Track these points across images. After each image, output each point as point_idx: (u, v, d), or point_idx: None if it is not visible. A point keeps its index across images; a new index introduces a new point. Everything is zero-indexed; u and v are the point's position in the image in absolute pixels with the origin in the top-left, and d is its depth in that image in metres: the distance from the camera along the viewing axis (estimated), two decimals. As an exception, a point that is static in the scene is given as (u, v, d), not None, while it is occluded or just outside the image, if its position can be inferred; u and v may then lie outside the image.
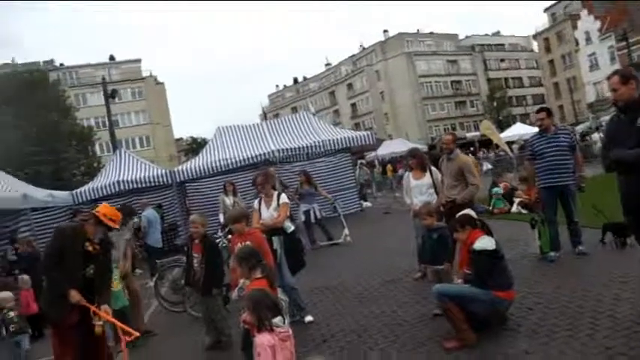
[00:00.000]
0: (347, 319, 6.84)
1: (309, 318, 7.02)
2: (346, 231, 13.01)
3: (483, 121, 34.13)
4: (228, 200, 13.01)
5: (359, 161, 27.38)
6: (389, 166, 38.32)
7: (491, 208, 13.89)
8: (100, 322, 5.40)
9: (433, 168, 8.38)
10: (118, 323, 5.63)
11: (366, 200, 22.55)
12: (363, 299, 7.64)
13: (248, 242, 6.64)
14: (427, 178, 8.23)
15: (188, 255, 6.90)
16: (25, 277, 9.18)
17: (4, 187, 14.21)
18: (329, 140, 18.08)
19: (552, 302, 5.92)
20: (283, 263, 6.99)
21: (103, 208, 5.65)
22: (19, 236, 12.59)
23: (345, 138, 18.46)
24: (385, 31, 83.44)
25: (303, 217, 13.12)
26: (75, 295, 5.27)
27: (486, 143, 45.03)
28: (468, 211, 5.93)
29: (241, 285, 4.82)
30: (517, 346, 4.95)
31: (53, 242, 5.51)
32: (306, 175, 13.66)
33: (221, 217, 12.98)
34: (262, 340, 3.63)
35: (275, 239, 6.96)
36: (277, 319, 3.72)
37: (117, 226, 5.71)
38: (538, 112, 8.21)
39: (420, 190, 8.20)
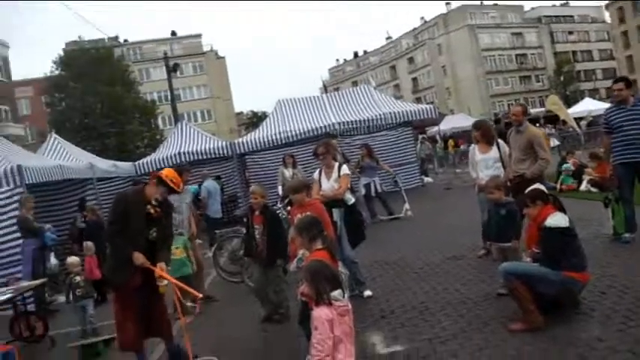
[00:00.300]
0: (407, 295, 6.65)
1: (368, 293, 6.87)
2: (407, 205, 12.76)
3: (550, 96, 32.88)
4: (288, 172, 12.97)
5: (420, 136, 26.90)
6: (450, 142, 37.56)
7: (559, 185, 13.33)
8: (164, 283, 5.43)
9: (500, 141, 7.99)
10: (180, 283, 5.64)
11: (427, 175, 22.15)
12: (424, 275, 7.43)
13: (308, 213, 6.55)
14: (494, 152, 7.85)
15: (248, 226, 6.81)
16: (89, 243, 9.37)
17: (72, 158, 14.61)
18: (390, 113, 17.72)
19: (627, 287, 5.53)
20: (343, 236, 6.84)
21: (166, 171, 5.66)
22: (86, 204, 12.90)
23: (406, 111, 18.07)
24: (447, 3, 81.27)
25: (363, 191, 12.98)
26: (139, 257, 5.28)
27: (552, 119, 43.47)
28: (538, 185, 5.60)
29: (300, 256, 4.68)
30: (589, 331, 4.65)
31: (115, 208, 5.53)
32: (367, 148, 13.47)
33: (280, 189, 12.97)
34: (320, 313, 3.48)
35: (335, 211, 6.81)
36: (336, 293, 3.53)
37: (179, 190, 5.69)
38: (616, 82, 7.68)
39: (485, 164, 7.84)
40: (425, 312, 5.88)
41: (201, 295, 5.63)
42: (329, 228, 5.72)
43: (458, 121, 40.55)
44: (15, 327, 7.78)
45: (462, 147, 34.51)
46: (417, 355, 4.80)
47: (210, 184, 13.46)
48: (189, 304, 6.65)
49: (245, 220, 6.91)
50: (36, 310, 8.89)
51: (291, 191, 6.35)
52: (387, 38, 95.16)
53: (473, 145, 8.44)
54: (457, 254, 8.25)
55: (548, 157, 7.58)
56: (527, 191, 5.45)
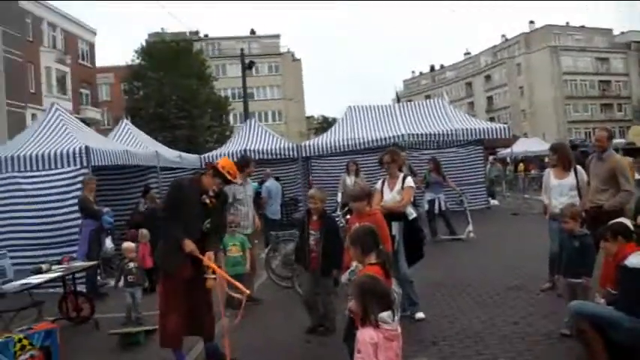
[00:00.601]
0: (462, 322, 6.23)
1: (420, 315, 6.49)
2: (470, 227, 12.23)
3: (633, 127, 31.22)
4: (349, 180, 12.67)
5: (491, 156, 26.07)
6: (521, 165, 36.29)
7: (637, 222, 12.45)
8: (213, 276, 5.27)
9: (579, 167, 7.41)
10: (227, 276, 5.51)
11: (494, 198, 21.37)
12: (482, 303, 6.98)
13: (366, 223, 6.23)
14: (571, 178, 7.26)
15: (303, 230, 6.53)
16: (144, 231, 9.38)
17: (140, 144, 14.83)
18: (463, 130, 17.16)
19: None
20: (400, 252, 6.49)
21: (223, 161, 5.52)
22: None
23: (479, 129, 17.45)
24: (531, 22, 78.98)
25: (426, 206, 12.56)
26: (189, 244, 5.15)
27: (634, 152, 41.37)
28: (623, 219, 5.09)
29: (353, 268, 4.38)
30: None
31: (171, 194, 5.43)
32: (435, 162, 13.04)
33: (339, 197, 12.71)
34: (365, 335, 3.16)
35: (394, 225, 6.47)
36: (385, 314, 3.20)
37: (235, 180, 5.56)
38: None
39: (560, 190, 7.26)
40: (479, 343, 5.46)
41: (248, 292, 5.40)
42: (387, 242, 5.40)
43: (531, 145, 39.11)
44: (63, 306, 7.82)
45: (532, 172, 33.31)
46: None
47: (272, 183, 13.35)
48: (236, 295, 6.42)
49: (302, 224, 6.63)
50: (86, 292, 8.94)
51: (352, 199, 6.01)
52: (466, 54, 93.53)
53: (548, 169, 7.91)
54: (519, 284, 7.74)
55: (632, 190, 6.96)
56: (609, 224, 4.94)
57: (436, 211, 12.53)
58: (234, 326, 5.50)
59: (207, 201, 5.35)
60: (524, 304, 6.78)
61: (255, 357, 5.60)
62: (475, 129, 17.34)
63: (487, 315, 6.39)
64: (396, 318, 3.27)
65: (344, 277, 4.55)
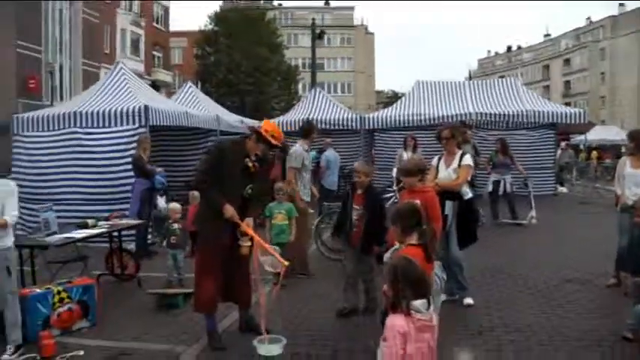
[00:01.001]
0: (512, 313, 5.81)
1: (468, 301, 6.11)
2: (533, 212, 11.60)
3: None
4: (406, 155, 12.20)
5: (563, 142, 24.83)
6: (594, 153, 34.61)
7: None
8: (247, 244, 5.05)
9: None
10: (263, 242, 5.23)
11: (562, 185, 20.37)
12: (537, 294, 6.50)
13: (417, 201, 5.88)
14: (648, 168, 6.64)
15: (345, 205, 6.21)
16: (195, 192, 9.30)
17: (202, 108, 14.84)
18: (534, 112, 16.28)
19: None
20: (452, 234, 6.11)
21: (266, 124, 5.23)
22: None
23: (554, 112, 16.51)
24: (621, 4, 74.63)
25: (490, 187, 12.00)
26: (229, 209, 4.93)
27: None
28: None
29: (397, 247, 4.01)
30: None
31: (209, 157, 5.20)
32: (503, 143, 12.41)
33: (394, 172, 12.33)
34: (394, 322, 2.84)
35: (448, 204, 6.06)
36: (419, 303, 2.86)
37: (278, 144, 5.25)
38: None
39: (635, 180, 6.60)
40: (531, 338, 5.03)
41: (286, 263, 5.14)
42: (437, 223, 5.03)
43: (608, 133, 37.20)
44: (109, 262, 7.85)
45: (606, 161, 31.72)
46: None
47: (331, 153, 13.10)
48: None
49: (344, 198, 6.31)
50: (136, 250, 8.99)
51: (403, 174, 5.59)
52: (546, 35, 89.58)
53: (624, 157, 7.26)
54: (581, 277, 7.21)
55: None
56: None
57: (500, 192, 11.96)
58: (273, 296, 5.29)
59: (250, 164, 5.11)
60: (584, 299, 6.29)
61: (290, 330, 5.38)
62: (548, 112, 16.44)
63: (540, 308, 5.94)
64: (432, 308, 2.93)
65: (386, 256, 4.19)
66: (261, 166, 5.23)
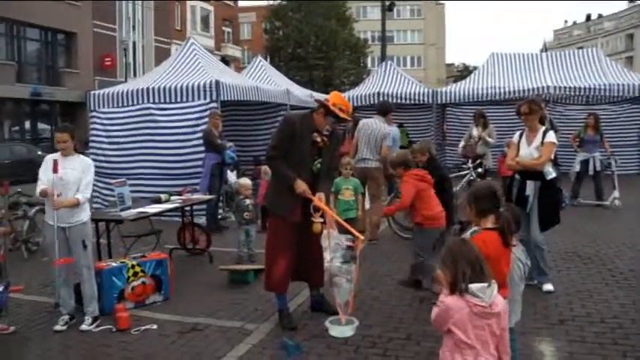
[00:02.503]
0: (596, 302, 5.46)
1: (548, 287, 5.80)
2: (616, 193, 10.93)
3: None
4: (476, 131, 11.72)
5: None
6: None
7: None
8: (320, 220, 4.92)
9: None
10: (338, 218, 5.20)
11: (647, 163, 19.23)
12: (624, 283, 6.09)
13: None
14: None
15: None
16: (267, 167, 9.28)
17: (272, 82, 14.80)
18: (618, 85, 15.30)
19: None
20: (533, 215, 5.80)
21: (334, 97, 5.04)
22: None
23: (638, 85, 15.51)
24: None
25: (578, 167, 11.33)
26: (300, 185, 4.83)
27: None
28: None
29: (474, 229, 3.77)
30: None
31: (279, 131, 5.08)
32: (596, 118, 11.56)
33: (460, 148, 11.98)
34: (449, 300, 2.70)
35: (529, 184, 5.78)
36: (477, 287, 2.67)
37: (347, 117, 5.08)
38: None
39: None
40: (616, 330, 4.70)
41: (362, 237, 5.03)
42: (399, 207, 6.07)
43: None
44: (181, 236, 7.95)
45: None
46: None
47: (395, 130, 12.79)
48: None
49: None
50: (207, 225, 9.09)
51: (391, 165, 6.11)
52: (630, 1, 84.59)
53: None
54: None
55: None
56: None
57: (590, 172, 11.26)
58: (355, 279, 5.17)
59: (319, 139, 4.95)
60: (678, 290, 5.85)
61: (362, 312, 5.26)
62: (634, 85, 15.41)
63: (629, 298, 5.54)
64: (494, 294, 2.72)
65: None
66: (330, 140, 5.08)
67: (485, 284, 2.70)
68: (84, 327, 5.12)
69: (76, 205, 5.08)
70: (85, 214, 5.22)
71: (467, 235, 3.70)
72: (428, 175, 6.07)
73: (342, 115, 4.91)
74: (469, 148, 11.64)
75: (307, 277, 5.37)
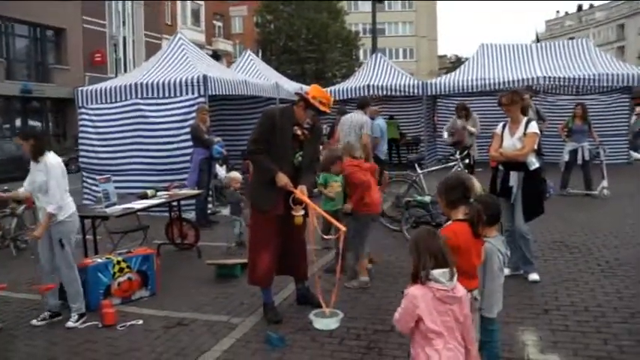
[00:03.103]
0: (582, 291, 5.49)
1: (534, 276, 5.82)
2: (605, 183, 10.96)
3: None
4: (459, 123, 11.72)
5: (638, 107, 23.53)
6: (673, 118, 32.71)
7: None
8: (301, 212, 4.91)
9: None
10: (324, 213, 5.19)
11: (636, 152, 19.32)
12: (609, 272, 6.11)
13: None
14: None
15: None
16: (254, 162, 9.30)
17: (261, 76, 14.76)
18: (608, 75, 15.31)
19: None
20: (517, 206, 5.83)
21: (313, 90, 5.00)
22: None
23: (628, 75, 15.46)
24: None
25: (566, 157, 11.36)
26: (282, 178, 4.82)
27: None
28: None
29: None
30: None
31: (260, 125, 5.04)
32: (583, 108, 11.57)
33: (445, 135, 12.06)
34: (411, 289, 2.78)
35: (513, 175, 5.81)
36: (439, 272, 2.74)
37: (327, 110, 5.01)
38: None
39: None
40: (599, 319, 4.73)
41: (344, 228, 5.01)
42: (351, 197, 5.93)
43: (689, 97, 35.10)
44: (169, 231, 7.95)
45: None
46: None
47: (382, 122, 12.79)
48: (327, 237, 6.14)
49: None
50: (197, 220, 9.09)
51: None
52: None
53: None
54: (658, 254, 6.76)
55: None
56: None
57: (579, 162, 11.29)
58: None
59: (299, 132, 4.94)
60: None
61: (348, 304, 5.28)
62: (623, 74, 15.45)
63: (614, 287, 5.57)
64: (455, 279, 2.78)
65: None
66: (311, 133, 5.06)
67: (447, 270, 2.76)
68: (69, 324, 5.12)
69: (51, 217, 5.06)
70: (61, 213, 5.15)
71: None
72: (364, 164, 6.20)
73: (322, 108, 4.89)
74: (457, 135, 11.66)
75: (291, 270, 5.38)
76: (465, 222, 3.28)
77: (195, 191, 8.33)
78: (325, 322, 4.80)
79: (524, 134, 5.75)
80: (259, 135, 4.96)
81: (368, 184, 5.96)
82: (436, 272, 2.74)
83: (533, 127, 5.78)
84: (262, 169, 4.99)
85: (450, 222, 3.42)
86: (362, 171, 6.01)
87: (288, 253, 5.18)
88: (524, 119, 5.90)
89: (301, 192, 4.90)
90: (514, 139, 5.82)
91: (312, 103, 4.86)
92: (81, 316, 5.21)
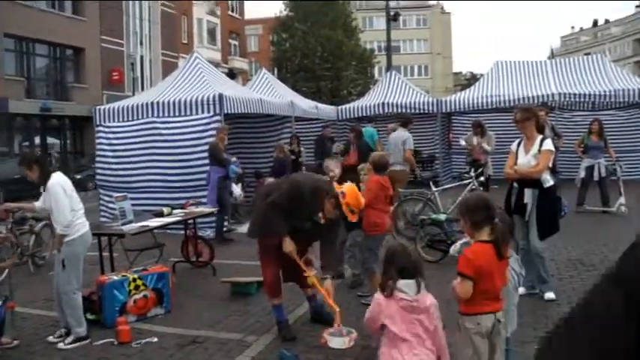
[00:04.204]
0: (600, 308, 5.43)
1: (550, 295, 5.78)
2: (622, 199, 10.84)
3: None
4: (476, 140, 11.72)
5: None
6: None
7: None
8: (312, 273, 5.01)
9: None
10: (325, 293, 5.00)
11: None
12: (627, 289, 6.04)
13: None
14: None
15: None
16: (271, 180, 9.36)
17: (277, 94, 14.87)
18: (625, 90, 15.22)
19: None
20: (532, 223, 5.79)
21: (349, 196, 4.90)
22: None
23: (644, 90, 15.40)
24: None
25: (582, 174, 11.27)
26: (289, 245, 4.89)
27: None
28: None
29: (467, 240, 3.71)
30: None
31: (288, 196, 4.93)
32: (599, 124, 11.48)
33: (462, 143, 12.46)
34: (377, 297, 3.02)
35: (527, 192, 5.77)
36: (403, 283, 2.89)
37: (354, 220, 5.12)
38: None
39: None
40: (617, 337, 4.68)
41: (338, 309, 4.90)
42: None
43: None
44: (184, 249, 8.00)
45: None
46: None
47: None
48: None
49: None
50: (215, 237, 9.17)
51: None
52: (637, 7, 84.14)
53: None
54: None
55: None
56: None
57: (595, 178, 11.20)
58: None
59: (322, 220, 5.01)
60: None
61: (360, 322, 5.26)
62: (639, 90, 15.38)
63: (631, 304, 5.51)
64: (422, 291, 2.96)
65: (453, 249, 3.93)
66: (330, 222, 5.11)
67: (412, 280, 2.91)
68: (60, 345, 5.10)
69: (62, 237, 5.11)
70: (69, 234, 5.14)
71: (457, 246, 3.70)
72: (388, 183, 6.06)
73: (350, 217, 4.97)
74: (475, 153, 11.70)
75: (297, 279, 5.37)
76: (489, 243, 3.25)
77: (211, 209, 8.38)
78: (340, 340, 4.79)
79: (539, 151, 5.73)
80: (283, 199, 4.92)
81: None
82: (401, 283, 2.91)
83: (548, 144, 5.76)
84: (273, 224, 4.97)
85: (469, 241, 3.40)
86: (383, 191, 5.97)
87: (292, 266, 5.18)
88: (539, 137, 5.88)
89: (327, 291, 4.93)
90: (529, 156, 5.80)
91: (343, 209, 4.90)
92: (79, 339, 5.14)
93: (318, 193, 4.94)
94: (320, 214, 4.97)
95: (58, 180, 5.19)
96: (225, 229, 10.09)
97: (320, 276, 5.05)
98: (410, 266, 2.93)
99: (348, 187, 5.07)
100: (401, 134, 10.01)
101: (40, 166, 5.24)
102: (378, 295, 2.95)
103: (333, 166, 7.19)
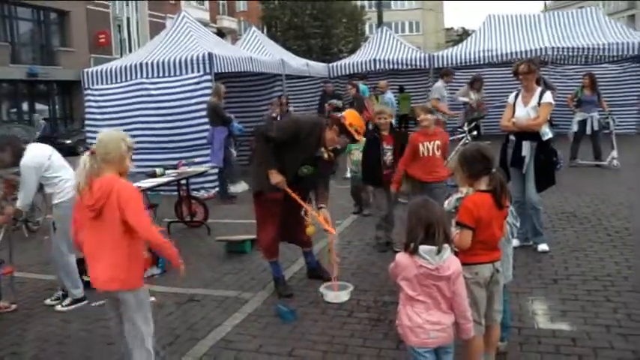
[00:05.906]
0: (591, 260, 5.49)
1: (543, 247, 5.83)
2: (614, 153, 10.87)
3: None
4: (473, 96, 11.66)
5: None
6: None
7: None
8: (312, 221, 5.00)
9: None
10: (318, 216, 5.03)
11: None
12: (619, 242, 6.09)
13: (437, 141, 5.89)
14: None
15: (377, 147, 6.23)
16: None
17: (267, 52, 14.67)
18: (617, 44, 15.12)
19: None
20: (529, 176, 5.79)
21: (350, 117, 4.85)
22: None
23: (638, 43, 15.28)
24: None
25: (575, 127, 11.26)
26: (276, 177, 4.80)
27: None
28: None
29: (462, 195, 3.63)
30: None
31: (283, 129, 4.88)
32: (591, 78, 11.41)
33: (460, 99, 12.21)
34: (399, 256, 2.89)
35: (525, 144, 5.74)
36: (425, 249, 2.79)
37: (360, 139, 5.06)
38: None
39: None
40: (609, 288, 4.73)
41: (334, 231, 5.06)
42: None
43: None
44: (178, 209, 7.99)
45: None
46: (588, 341, 3.82)
47: (391, 96, 12.76)
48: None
49: (373, 141, 6.29)
50: (220, 196, 9.39)
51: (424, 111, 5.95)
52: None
53: None
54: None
55: None
56: None
57: (588, 132, 11.19)
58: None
59: (325, 155, 4.91)
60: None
61: (357, 277, 5.33)
62: (634, 43, 15.22)
63: (623, 256, 5.56)
64: (445, 257, 2.82)
65: (447, 204, 3.85)
66: (335, 155, 5.09)
67: (435, 247, 2.79)
68: (58, 307, 5.15)
69: (16, 212, 5.21)
70: (56, 197, 5.11)
71: (452, 200, 3.66)
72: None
73: (357, 137, 4.87)
74: (481, 107, 11.75)
75: (295, 239, 5.41)
76: (487, 193, 3.24)
77: (202, 168, 8.31)
78: (335, 294, 4.84)
79: (539, 104, 5.68)
80: (277, 135, 4.82)
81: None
82: (423, 248, 2.79)
83: (548, 97, 5.71)
84: (263, 158, 4.93)
85: (463, 194, 3.38)
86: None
87: (289, 224, 5.17)
88: (539, 89, 5.82)
89: (325, 218, 4.95)
90: (528, 109, 5.74)
91: (349, 131, 4.78)
92: (76, 301, 5.17)
93: (316, 126, 4.90)
94: (322, 149, 4.91)
95: (29, 155, 5.04)
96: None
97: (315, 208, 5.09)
98: (434, 228, 2.82)
99: (347, 111, 5.12)
100: (438, 85, 11.50)
101: (12, 148, 5.10)
102: (398, 256, 2.88)
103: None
